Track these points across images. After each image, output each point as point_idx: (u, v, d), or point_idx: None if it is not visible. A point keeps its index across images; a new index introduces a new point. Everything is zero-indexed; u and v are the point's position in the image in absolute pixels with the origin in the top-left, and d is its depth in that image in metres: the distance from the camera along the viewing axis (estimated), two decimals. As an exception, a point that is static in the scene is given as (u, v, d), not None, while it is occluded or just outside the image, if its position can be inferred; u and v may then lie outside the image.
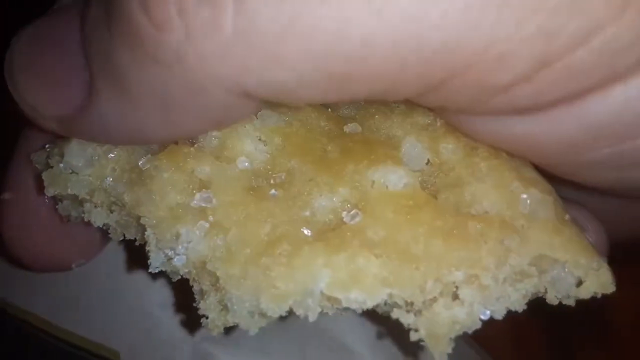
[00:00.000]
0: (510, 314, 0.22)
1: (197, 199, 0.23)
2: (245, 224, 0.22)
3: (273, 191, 0.23)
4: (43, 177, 0.25)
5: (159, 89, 0.20)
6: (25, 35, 0.23)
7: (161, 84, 0.20)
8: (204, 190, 0.23)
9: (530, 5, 0.17)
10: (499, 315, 0.22)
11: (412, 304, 0.21)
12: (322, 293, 0.21)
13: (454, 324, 0.21)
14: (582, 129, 0.21)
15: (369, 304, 0.21)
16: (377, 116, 0.26)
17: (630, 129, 0.20)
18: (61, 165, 0.25)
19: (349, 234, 0.22)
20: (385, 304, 0.22)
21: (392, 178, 0.23)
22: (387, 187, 0.23)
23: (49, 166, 0.25)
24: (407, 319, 0.21)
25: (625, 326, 0.45)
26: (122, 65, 0.20)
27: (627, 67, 0.19)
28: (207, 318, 0.23)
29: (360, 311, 0.21)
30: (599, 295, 0.22)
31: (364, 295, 0.21)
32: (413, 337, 0.21)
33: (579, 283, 0.22)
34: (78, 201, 0.26)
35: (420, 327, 0.21)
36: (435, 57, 0.18)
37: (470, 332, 0.21)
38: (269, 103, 0.24)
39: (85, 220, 0.25)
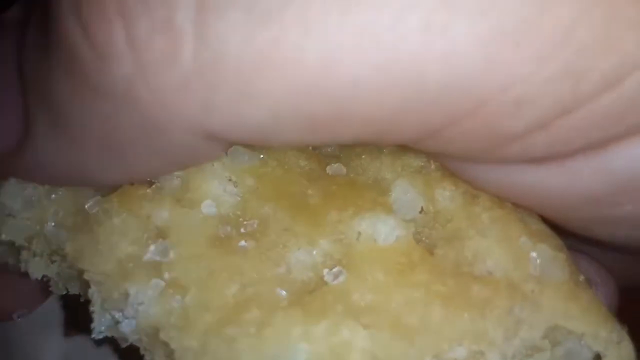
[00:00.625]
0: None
1: (152, 252, 0.19)
2: (207, 283, 0.19)
3: (243, 242, 0.20)
4: None
5: (103, 126, 0.17)
6: None
7: (107, 120, 0.16)
8: (160, 240, 0.19)
9: (555, 41, 0.14)
10: None
11: None
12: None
13: None
14: (603, 183, 0.18)
15: None
16: (363, 156, 0.23)
17: None
18: None
19: (330, 297, 0.18)
20: None
21: (382, 230, 0.20)
22: (375, 240, 0.19)
23: None
24: None
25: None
26: (61, 97, 0.17)
27: None
28: None
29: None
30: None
31: None
32: None
33: (597, 358, 0.19)
34: (15, 248, 0.22)
35: None
36: (439, 99, 0.15)
37: None
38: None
39: (22, 270, 0.22)
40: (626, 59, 0.15)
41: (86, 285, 0.20)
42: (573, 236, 0.24)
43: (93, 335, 0.20)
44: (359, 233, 0.20)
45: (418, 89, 0.15)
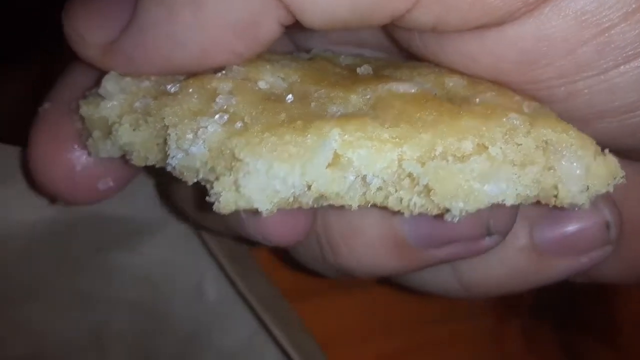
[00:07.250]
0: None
1: (219, 99, 0.24)
2: (262, 113, 0.23)
3: (289, 96, 0.25)
4: (79, 104, 0.27)
5: None
6: None
7: None
8: (226, 94, 0.25)
9: None
10: (510, 198, 0.22)
11: (423, 164, 0.21)
12: (334, 153, 0.21)
13: (466, 181, 0.21)
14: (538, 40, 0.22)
15: (379, 167, 0.21)
16: (387, 69, 0.28)
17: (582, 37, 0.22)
18: (97, 90, 0.27)
19: (361, 116, 0.23)
20: (394, 178, 0.22)
21: (403, 86, 0.25)
22: (399, 90, 0.24)
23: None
24: (416, 169, 0.21)
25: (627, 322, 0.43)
26: None
27: None
28: (219, 202, 0.23)
29: (371, 178, 0.22)
30: (611, 187, 0.22)
31: (374, 154, 0.21)
32: (422, 181, 0.21)
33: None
34: (107, 133, 0.27)
35: (429, 174, 0.21)
36: None
37: (477, 207, 0.21)
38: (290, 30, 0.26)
39: (113, 141, 0.27)
40: None
41: (164, 149, 0.25)
42: None
43: (167, 162, 0.24)
44: (385, 90, 0.25)
45: None
